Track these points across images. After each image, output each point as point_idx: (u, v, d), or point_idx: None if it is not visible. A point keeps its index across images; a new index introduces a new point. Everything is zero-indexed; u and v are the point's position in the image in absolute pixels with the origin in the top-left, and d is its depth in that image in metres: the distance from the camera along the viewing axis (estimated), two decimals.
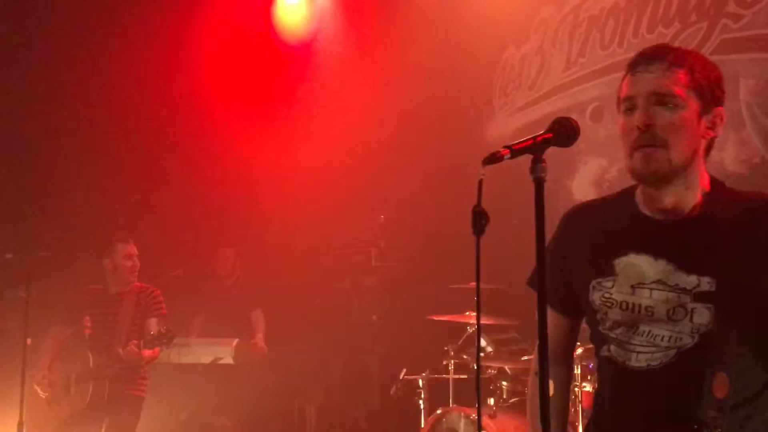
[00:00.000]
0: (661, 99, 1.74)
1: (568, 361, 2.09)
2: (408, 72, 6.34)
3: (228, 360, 5.77)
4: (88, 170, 6.13)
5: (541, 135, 1.58)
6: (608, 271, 1.85)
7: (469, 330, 4.89)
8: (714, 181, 1.85)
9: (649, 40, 4.84)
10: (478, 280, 1.51)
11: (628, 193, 1.91)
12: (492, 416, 4.20)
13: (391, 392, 5.10)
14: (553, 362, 1.98)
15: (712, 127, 1.80)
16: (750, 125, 4.35)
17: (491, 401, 4.45)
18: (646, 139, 1.73)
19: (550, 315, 1.99)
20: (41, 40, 6.04)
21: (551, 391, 1.55)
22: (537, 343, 1.57)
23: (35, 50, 6.04)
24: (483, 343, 4.94)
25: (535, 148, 1.55)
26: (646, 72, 1.76)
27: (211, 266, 6.41)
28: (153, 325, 4.61)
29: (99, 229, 4.90)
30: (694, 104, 1.76)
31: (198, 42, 6.48)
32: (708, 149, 1.84)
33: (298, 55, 7.09)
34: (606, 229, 1.91)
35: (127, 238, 4.81)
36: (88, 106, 6.19)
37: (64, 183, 5.97)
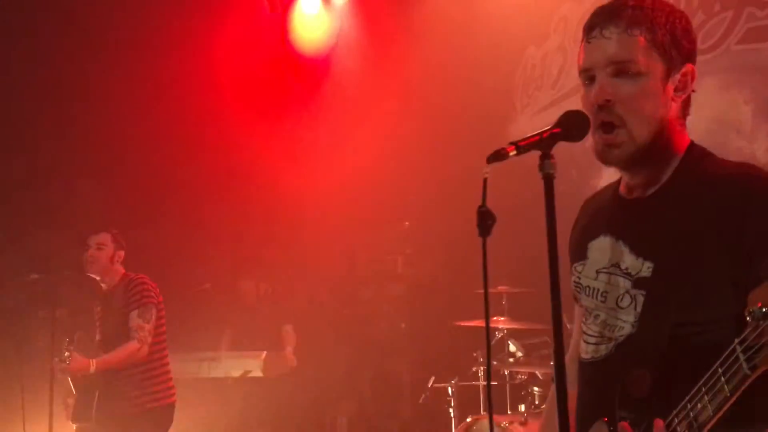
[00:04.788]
0: (620, 68, 1.55)
1: None
2: (428, 76, 6.30)
3: (257, 373, 5.75)
4: (110, 188, 6.17)
5: (548, 130, 1.48)
6: (582, 255, 1.75)
7: (498, 335, 4.81)
8: (691, 150, 1.62)
9: None
10: (485, 284, 1.44)
11: None
12: (523, 423, 4.11)
13: (420, 401, 5.04)
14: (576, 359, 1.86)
15: (682, 87, 1.59)
16: None
17: (522, 407, 4.36)
18: (605, 116, 1.56)
19: (575, 309, 1.91)
20: (60, 51, 6.09)
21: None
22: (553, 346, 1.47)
23: (53, 64, 6.10)
24: (513, 348, 4.86)
25: (543, 143, 1.45)
26: (601, 38, 1.57)
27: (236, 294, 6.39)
28: (133, 319, 4.13)
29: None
30: (657, 68, 1.55)
31: (217, 58, 6.51)
32: (684, 109, 1.62)
33: (317, 67, 7.09)
34: (592, 212, 1.81)
35: (100, 228, 4.37)
36: (109, 125, 6.23)
37: (90, 201, 6.02)
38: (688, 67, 1.59)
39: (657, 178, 1.62)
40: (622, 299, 1.62)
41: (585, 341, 1.73)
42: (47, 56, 6.05)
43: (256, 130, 6.56)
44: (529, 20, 5.95)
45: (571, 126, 1.51)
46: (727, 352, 1.29)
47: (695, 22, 4.70)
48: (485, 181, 1.43)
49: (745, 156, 4.31)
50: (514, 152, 1.46)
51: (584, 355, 1.72)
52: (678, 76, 1.59)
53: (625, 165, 1.62)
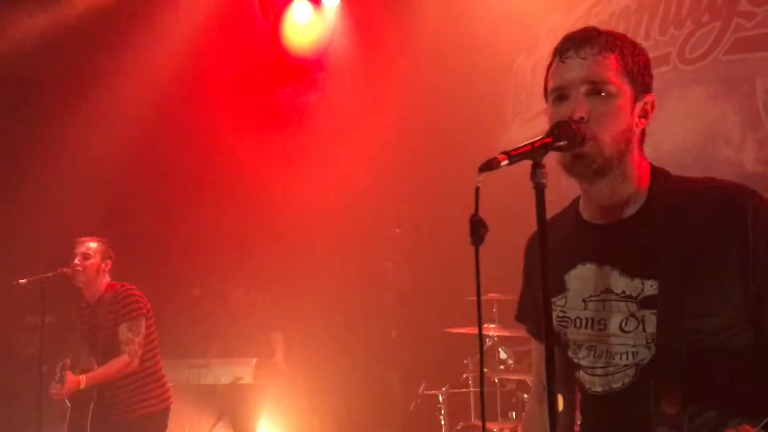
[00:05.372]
0: (594, 88, 1.61)
1: (565, 396, 1.84)
2: (420, 85, 6.32)
3: (247, 380, 5.75)
4: (102, 194, 6.15)
5: (539, 140, 1.50)
6: (560, 288, 1.74)
7: (489, 342, 4.82)
8: (655, 172, 1.69)
9: (662, 42, 4.77)
10: (478, 293, 1.45)
11: (574, 203, 1.79)
12: (513, 430, 4.12)
13: (411, 408, 5.04)
14: (543, 399, 1.82)
15: (645, 115, 1.67)
16: None
17: (513, 415, 4.37)
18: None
19: (535, 345, 1.94)
20: (56, 55, 6.10)
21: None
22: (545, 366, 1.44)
23: (48, 66, 6.10)
24: (503, 355, 4.87)
25: (534, 153, 1.47)
26: (576, 58, 1.63)
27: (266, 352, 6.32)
28: (123, 333, 4.07)
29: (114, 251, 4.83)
30: (627, 91, 1.62)
31: (210, 65, 6.52)
32: (643, 137, 1.69)
33: (309, 74, 7.10)
34: (554, 245, 1.74)
35: (87, 237, 4.27)
36: (100, 130, 6.22)
37: (80, 207, 5.99)
38: (649, 96, 1.68)
39: (630, 200, 1.66)
40: (626, 323, 1.62)
41: (591, 374, 1.71)
42: (44, 59, 6.04)
43: (248, 137, 6.56)
44: (519, 30, 5.99)
45: (562, 136, 1.54)
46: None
47: (684, 32, 4.76)
48: (477, 190, 1.44)
49: (733, 166, 4.35)
50: (506, 162, 1.47)
51: (597, 389, 1.70)
52: (642, 103, 1.66)
53: (590, 177, 1.64)
